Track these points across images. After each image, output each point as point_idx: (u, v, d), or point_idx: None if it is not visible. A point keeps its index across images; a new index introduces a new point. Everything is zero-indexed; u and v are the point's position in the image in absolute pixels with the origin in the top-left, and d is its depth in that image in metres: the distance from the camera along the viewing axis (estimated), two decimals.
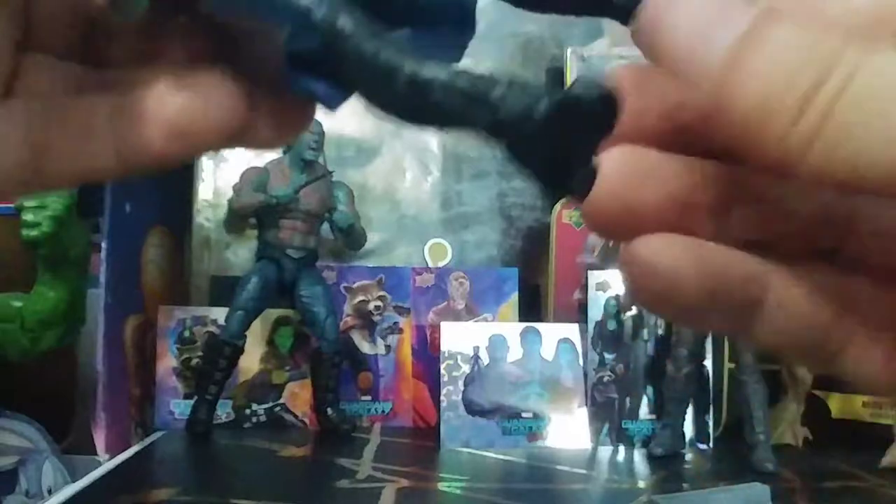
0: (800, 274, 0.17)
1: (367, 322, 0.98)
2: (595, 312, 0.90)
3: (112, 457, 0.80)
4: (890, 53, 0.13)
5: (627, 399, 0.89)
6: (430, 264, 1.06)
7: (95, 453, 0.81)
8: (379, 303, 0.99)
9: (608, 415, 0.88)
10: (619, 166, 0.16)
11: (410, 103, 0.16)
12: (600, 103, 0.15)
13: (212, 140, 0.18)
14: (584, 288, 0.92)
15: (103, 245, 0.83)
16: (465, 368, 0.89)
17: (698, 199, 0.16)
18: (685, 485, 0.74)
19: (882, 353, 0.17)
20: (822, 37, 0.14)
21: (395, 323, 0.99)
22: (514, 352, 0.90)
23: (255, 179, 0.90)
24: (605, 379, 0.89)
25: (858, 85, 0.13)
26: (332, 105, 0.18)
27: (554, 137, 0.15)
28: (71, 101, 0.18)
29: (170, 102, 0.17)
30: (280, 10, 0.16)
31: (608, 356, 0.89)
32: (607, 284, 0.90)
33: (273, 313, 0.94)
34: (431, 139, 1.11)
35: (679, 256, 0.16)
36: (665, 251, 0.16)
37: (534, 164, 0.16)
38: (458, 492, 0.70)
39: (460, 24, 0.18)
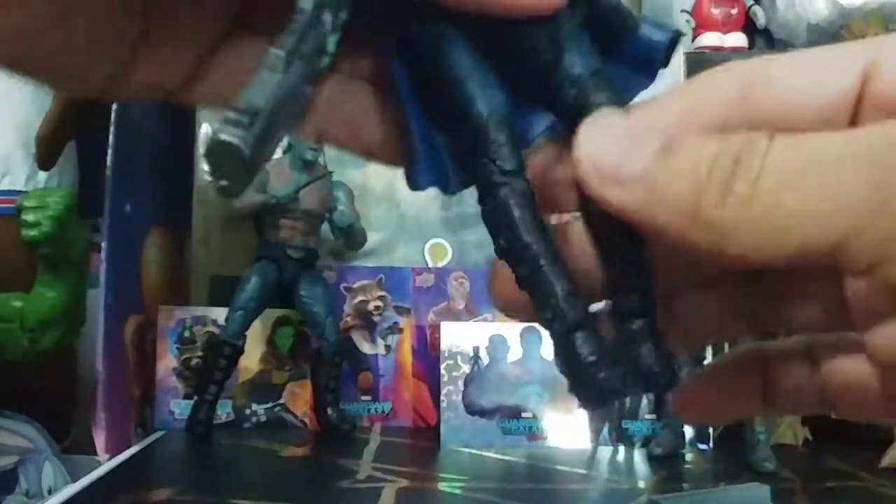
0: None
1: (367, 322, 0.98)
2: None
3: (112, 457, 0.80)
4: (787, 135, 0.15)
5: (627, 399, 0.89)
6: (430, 264, 1.06)
7: (95, 453, 0.81)
8: (379, 303, 0.99)
9: (608, 415, 0.88)
10: None
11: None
12: None
13: None
14: None
15: (103, 245, 0.83)
16: (465, 368, 0.89)
17: None
18: (685, 485, 0.74)
19: None
20: (723, 137, 0.16)
21: (395, 323, 0.99)
22: (514, 352, 0.90)
23: (255, 180, 0.90)
24: None
25: (773, 160, 0.15)
26: (446, 189, 0.20)
27: None
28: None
29: None
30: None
31: None
32: None
33: (273, 313, 0.94)
34: None
35: None
36: None
37: None
38: (458, 492, 0.70)
39: (644, 71, 0.20)
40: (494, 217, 0.18)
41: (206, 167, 0.16)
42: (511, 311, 0.20)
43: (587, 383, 0.17)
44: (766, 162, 0.15)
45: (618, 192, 0.16)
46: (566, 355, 0.17)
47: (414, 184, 0.20)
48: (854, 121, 0.16)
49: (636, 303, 0.18)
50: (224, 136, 0.16)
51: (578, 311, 0.17)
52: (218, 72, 0.21)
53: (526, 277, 0.17)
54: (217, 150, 0.16)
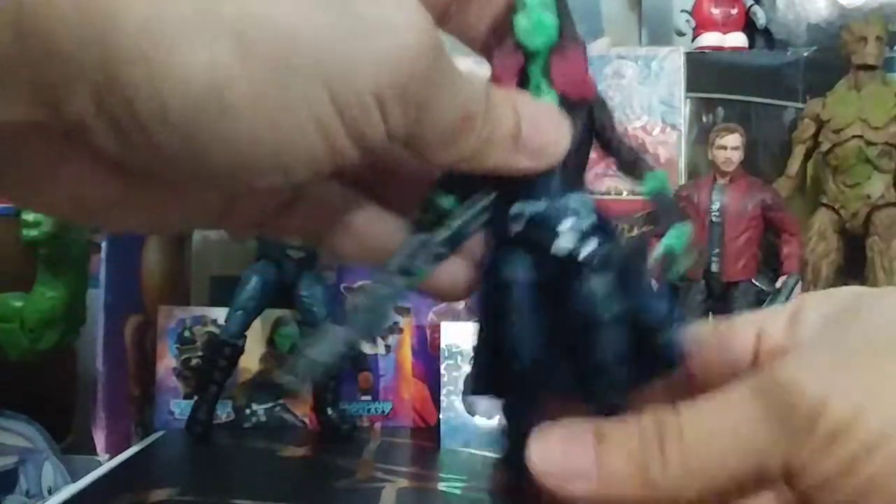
0: None
1: None
2: None
3: (112, 457, 0.80)
4: (688, 405, 0.23)
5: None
6: None
7: (95, 453, 0.81)
8: None
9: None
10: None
11: None
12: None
13: None
14: None
15: (103, 245, 0.83)
16: (465, 368, 0.89)
17: None
18: None
19: None
20: (637, 419, 0.23)
21: (395, 323, 0.99)
22: None
23: None
24: None
25: (687, 425, 0.22)
26: None
27: None
28: None
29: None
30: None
31: None
32: None
33: (273, 313, 0.94)
34: None
35: None
36: None
37: None
38: (458, 492, 0.70)
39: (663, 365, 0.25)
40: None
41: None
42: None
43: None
44: (683, 428, 0.21)
45: (578, 485, 0.21)
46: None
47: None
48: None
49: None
50: (285, 384, 0.24)
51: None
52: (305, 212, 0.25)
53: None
54: (283, 388, 0.30)
